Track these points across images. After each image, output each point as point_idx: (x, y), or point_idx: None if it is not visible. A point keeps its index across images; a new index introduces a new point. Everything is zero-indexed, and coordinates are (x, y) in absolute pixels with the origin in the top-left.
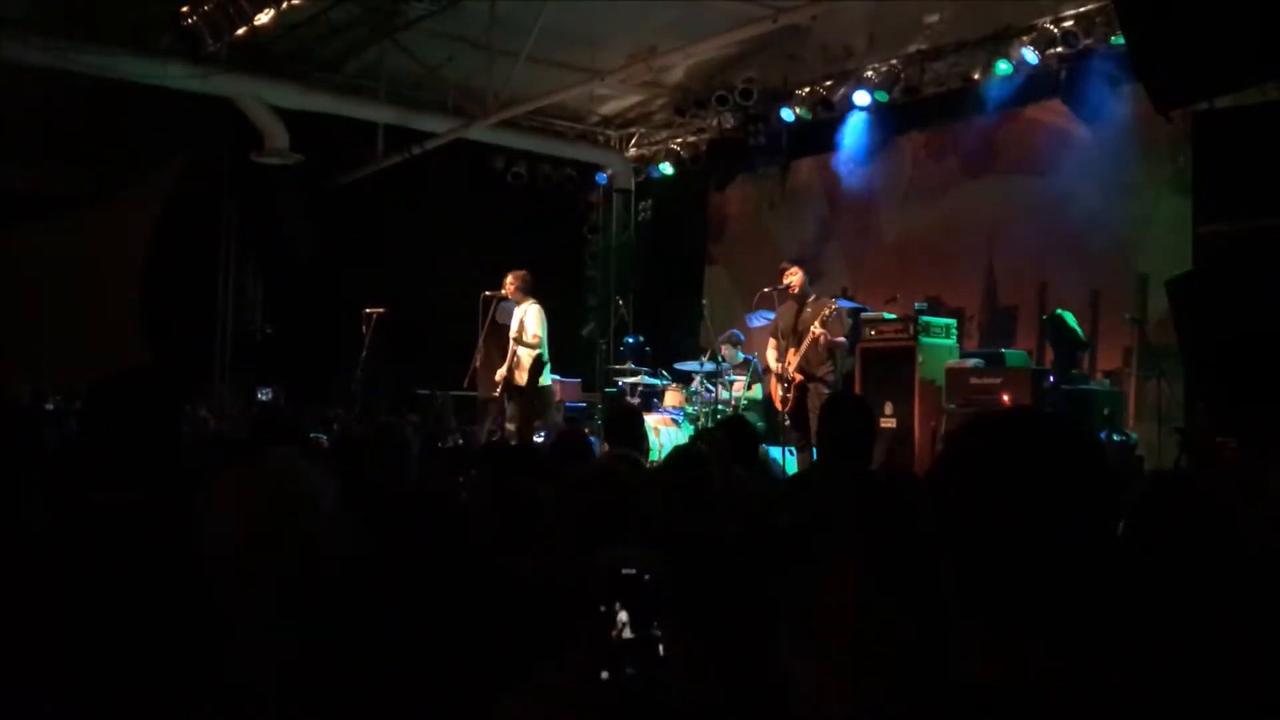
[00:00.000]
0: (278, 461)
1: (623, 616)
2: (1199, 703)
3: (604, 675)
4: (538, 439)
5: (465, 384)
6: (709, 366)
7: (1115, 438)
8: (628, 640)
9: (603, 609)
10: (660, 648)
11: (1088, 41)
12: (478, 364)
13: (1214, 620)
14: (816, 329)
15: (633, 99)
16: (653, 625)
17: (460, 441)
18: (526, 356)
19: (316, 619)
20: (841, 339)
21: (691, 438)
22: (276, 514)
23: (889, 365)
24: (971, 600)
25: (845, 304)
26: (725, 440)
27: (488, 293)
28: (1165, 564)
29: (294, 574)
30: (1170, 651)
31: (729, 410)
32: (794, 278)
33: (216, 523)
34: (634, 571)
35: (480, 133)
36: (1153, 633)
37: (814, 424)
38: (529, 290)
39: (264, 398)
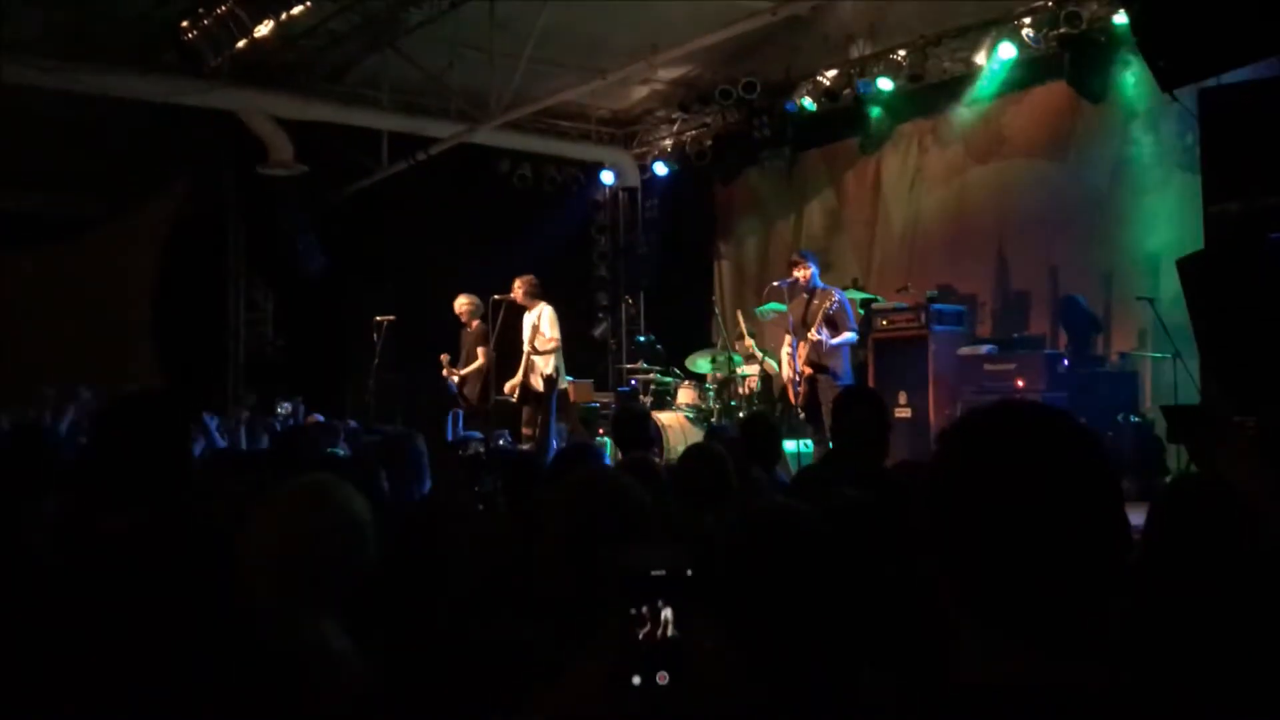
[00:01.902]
0: (318, 481)
1: (667, 613)
2: (1210, 707)
3: (636, 680)
4: (554, 443)
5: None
6: (720, 360)
7: (1132, 419)
8: (659, 643)
9: (633, 612)
10: (691, 651)
11: (1090, 21)
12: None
13: (1230, 623)
14: (813, 335)
15: (636, 96)
16: (684, 627)
17: (480, 450)
18: (543, 363)
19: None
20: (849, 333)
21: (706, 435)
22: (319, 533)
23: (902, 355)
24: (968, 600)
25: (855, 295)
26: (743, 440)
27: (497, 296)
28: (1182, 566)
29: (336, 589)
30: (1182, 654)
31: (742, 404)
32: (803, 271)
33: (259, 540)
34: (664, 573)
35: (484, 136)
36: (1165, 635)
37: (826, 416)
38: (538, 294)
39: (284, 411)
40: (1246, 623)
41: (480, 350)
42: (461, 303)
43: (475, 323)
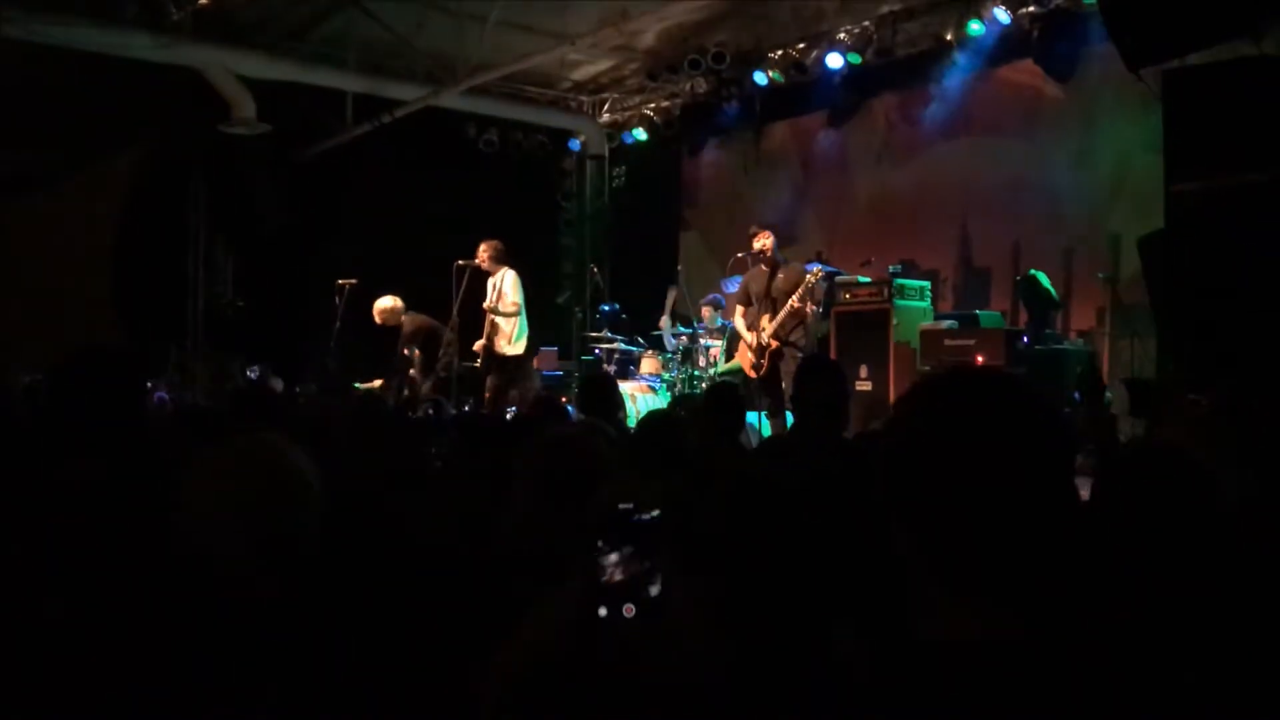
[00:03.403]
0: (261, 442)
1: (613, 557)
2: (1164, 662)
3: (601, 613)
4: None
5: (440, 354)
6: (684, 330)
7: None
8: (623, 577)
9: (600, 544)
10: (657, 585)
11: (1059, 0)
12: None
13: (1183, 581)
14: (796, 302)
15: (604, 64)
16: (650, 561)
17: (430, 412)
18: (506, 325)
19: (298, 596)
20: (815, 306)
21: (671, 403)
22: (259, 495)
23: (864, 328)
24: (927, 561)
25: (819, 268)
26: (707, 414)
27: (461, 261)
28: (1135, 526)
29: (275, 552)
30: (1135, 611)
31: (705, 375)
32: (764, 241)
33: (195, 501)
34: (631, 506)
35: (451, 100)
36: (1118, 593)
37: (787, 389)
38: (504, 259)
39: (253, 375)
40: (1196, 582)
41: (411, 350)
42: (383, 308)
43: (404, 320)
